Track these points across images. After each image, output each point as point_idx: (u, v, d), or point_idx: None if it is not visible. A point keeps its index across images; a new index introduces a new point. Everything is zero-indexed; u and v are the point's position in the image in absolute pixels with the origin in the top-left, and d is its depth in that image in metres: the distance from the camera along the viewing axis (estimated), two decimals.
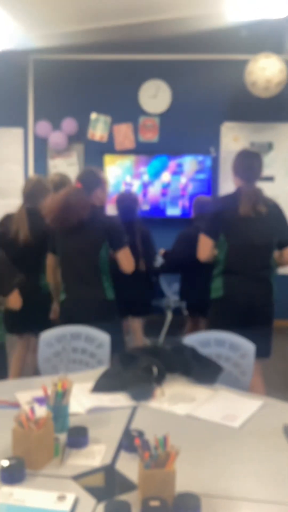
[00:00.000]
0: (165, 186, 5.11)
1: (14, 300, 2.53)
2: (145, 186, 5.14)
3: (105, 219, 2.70)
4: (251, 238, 2.58)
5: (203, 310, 3.84)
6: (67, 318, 2.51)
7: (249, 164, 2.69)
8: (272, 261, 2.66)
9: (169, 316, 4.06)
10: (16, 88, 5.16)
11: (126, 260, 2.67)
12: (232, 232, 2.61)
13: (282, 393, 2.87)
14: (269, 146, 5.13)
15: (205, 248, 2.67)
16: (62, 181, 3.73)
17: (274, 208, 2.66)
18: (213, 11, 3.88)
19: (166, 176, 5.09)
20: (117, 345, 2.27)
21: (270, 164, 5.14)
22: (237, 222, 2.58)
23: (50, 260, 2.83)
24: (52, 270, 2.85)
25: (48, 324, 2.63)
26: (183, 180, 5.09)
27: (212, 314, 2.71)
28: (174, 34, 4.46)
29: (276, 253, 2.70)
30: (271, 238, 2.62)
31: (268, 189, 5.02)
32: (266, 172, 5.16)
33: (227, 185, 5.16)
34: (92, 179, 2.67)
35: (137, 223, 3.49)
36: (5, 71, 5.04)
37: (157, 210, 5.14)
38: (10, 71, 5.07)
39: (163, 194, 5.11)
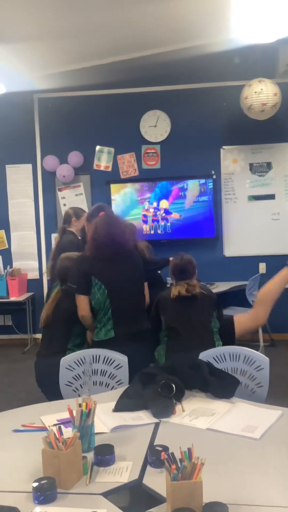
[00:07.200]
0: (166, 212, 5.26)
1: None
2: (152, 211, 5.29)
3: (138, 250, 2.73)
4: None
5: None
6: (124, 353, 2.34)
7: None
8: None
9: None
10: (23, 127, 5.37)
11: (147, 293, 2.68)
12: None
13: None
14: (268, 166, 5.25)
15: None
16: (76, 213, 3.96)
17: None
18: (207, 41, 4.04)
19: (164, 203, 5.25)
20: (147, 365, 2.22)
21: (270, 183, 5.27)
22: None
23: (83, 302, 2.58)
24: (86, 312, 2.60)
25: None
26: (186, 204, 5.23)
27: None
28: (170, 65, 4.64)
29: None
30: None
31: (269, 207, 5.24)
32: (266, 190, 5.32)
33: (229, 206, 5.29)
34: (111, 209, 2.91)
35: None
36: (12, 111, 5.26)
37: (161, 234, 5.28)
38: (16, 110, 5.29)
39: (164, 219, 5.27)
